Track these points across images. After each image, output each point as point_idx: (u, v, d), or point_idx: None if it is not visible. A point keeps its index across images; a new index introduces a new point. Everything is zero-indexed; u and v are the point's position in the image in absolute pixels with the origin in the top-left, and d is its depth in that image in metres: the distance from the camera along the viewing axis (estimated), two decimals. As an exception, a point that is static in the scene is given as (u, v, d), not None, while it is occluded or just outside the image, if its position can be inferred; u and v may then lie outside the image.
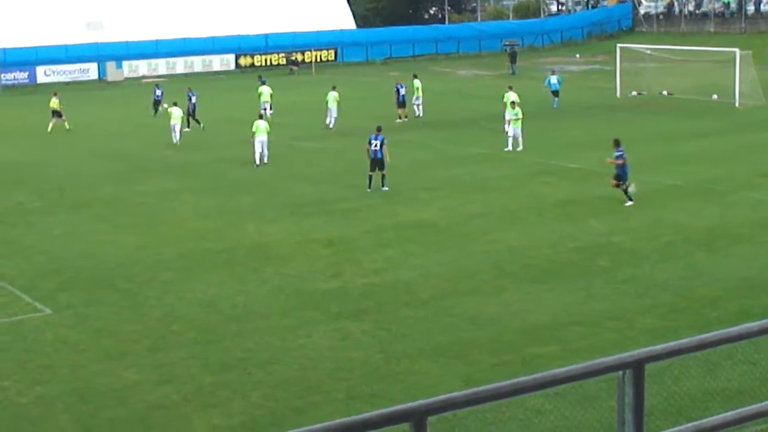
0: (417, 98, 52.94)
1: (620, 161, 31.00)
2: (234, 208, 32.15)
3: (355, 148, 43.43)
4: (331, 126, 49.30)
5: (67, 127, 50.75)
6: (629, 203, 30.80)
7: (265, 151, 39.70)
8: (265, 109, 50.93)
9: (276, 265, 25.54)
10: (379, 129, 34.90)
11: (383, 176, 34.26)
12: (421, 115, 52.58)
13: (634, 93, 59.41)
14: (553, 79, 56.01)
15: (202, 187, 35.86)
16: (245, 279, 24.36)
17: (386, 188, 34.14)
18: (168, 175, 38.33)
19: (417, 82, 53.45)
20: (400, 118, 50.86)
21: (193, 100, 50.86)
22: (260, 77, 59.86)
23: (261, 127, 39.97)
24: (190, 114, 50.37)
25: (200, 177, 37.93)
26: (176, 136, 45.86)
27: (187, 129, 48.80)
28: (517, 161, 39.07)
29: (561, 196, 32.69)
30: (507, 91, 45.28)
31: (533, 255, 25.79)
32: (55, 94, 53.54)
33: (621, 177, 31.02)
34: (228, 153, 43.05)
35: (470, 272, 24.46)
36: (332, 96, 49.76)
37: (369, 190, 34.14)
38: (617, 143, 31.38)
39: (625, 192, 31.05)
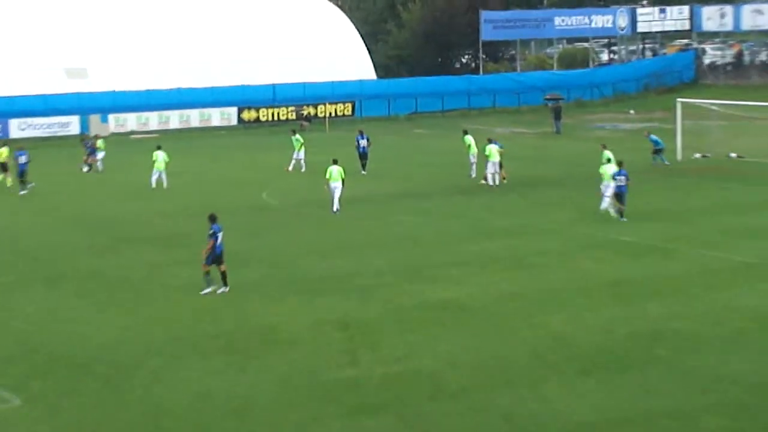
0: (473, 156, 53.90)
1: (211, 240, 31.37)
2: (234, 284, 32.23)
3: (369, 216, 43.58)
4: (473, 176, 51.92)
5: (9, 183, 52.53)
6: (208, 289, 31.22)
7: (336, 199, 42.09)
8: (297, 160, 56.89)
9: (282, 350, 25.59)
10: (620, 163, 41.46)
11: (621, 211, 40.65)
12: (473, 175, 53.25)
13: (698, 155, 59.62)
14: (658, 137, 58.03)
15: (196, 260, 35.96)
16: (246, 367, 24.39)
17: (625, 219, 40.43)
18: (156, 246, 38.54)
19: (468, 138, 54.26)
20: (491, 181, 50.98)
21: (23, 160, 52.19)
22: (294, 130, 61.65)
23: (334, 173, 42.60)
24: (19, 176, 52.16)
25: (194, 248, 37.97)
26: (154, 181, 51.97)
27: (22, 192, 51.51)
28: (563, 234, 39.11)
29: (613, 275, 32.68)
30: (602, 150, 46.47)
31: (579, 343, 25.76)
32: (5, 144, 54.50)
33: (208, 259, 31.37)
34: (226, 221, 43.12)
35: (505, 361, 24.44)
36: (492, 149, 50.44)
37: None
38: (213, 219, 31.79)
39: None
